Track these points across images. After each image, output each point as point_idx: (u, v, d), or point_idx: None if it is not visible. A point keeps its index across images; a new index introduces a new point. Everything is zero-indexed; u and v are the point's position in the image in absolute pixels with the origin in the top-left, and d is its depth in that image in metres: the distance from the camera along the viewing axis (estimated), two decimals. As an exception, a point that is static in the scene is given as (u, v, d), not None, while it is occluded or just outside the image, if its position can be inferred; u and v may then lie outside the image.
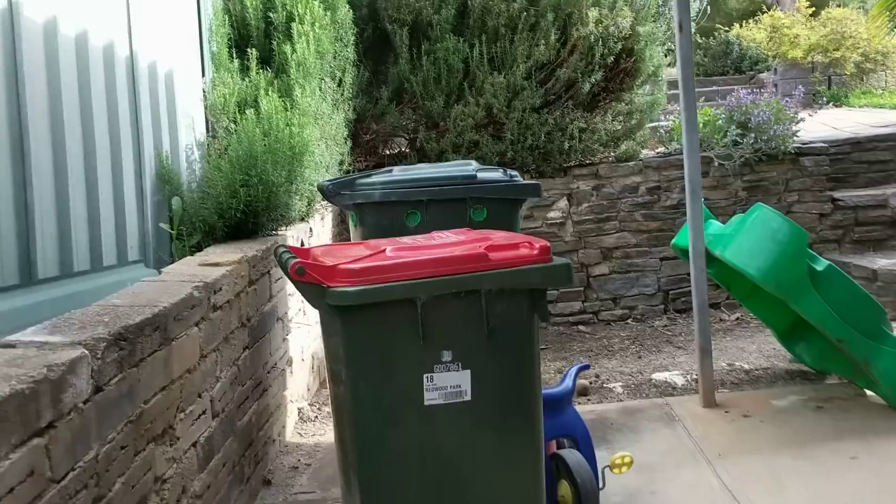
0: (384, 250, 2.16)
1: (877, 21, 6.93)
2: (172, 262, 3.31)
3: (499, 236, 2.33)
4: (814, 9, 10.65)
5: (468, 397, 2.10)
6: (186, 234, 3.54)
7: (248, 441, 3.18)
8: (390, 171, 3.51)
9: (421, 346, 2.07)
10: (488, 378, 2.12)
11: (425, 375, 2.07)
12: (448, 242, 2.28)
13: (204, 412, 2.66)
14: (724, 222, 5.68)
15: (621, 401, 4.22)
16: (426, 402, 2.07)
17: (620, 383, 4.50)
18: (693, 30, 9.22)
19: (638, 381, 4.51)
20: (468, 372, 2.10)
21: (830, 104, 8.65)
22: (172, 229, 3.55)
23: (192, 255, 3.32)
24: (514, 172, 3.45)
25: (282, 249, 2.42)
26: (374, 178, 3.37)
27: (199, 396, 2.63)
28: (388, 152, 5.91)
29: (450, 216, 3.26)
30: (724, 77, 10.66)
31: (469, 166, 3.50)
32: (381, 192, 3.29)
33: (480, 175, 3.38)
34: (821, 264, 3.57)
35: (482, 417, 2.13)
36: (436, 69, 5.39)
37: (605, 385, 4.49)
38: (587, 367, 3.21)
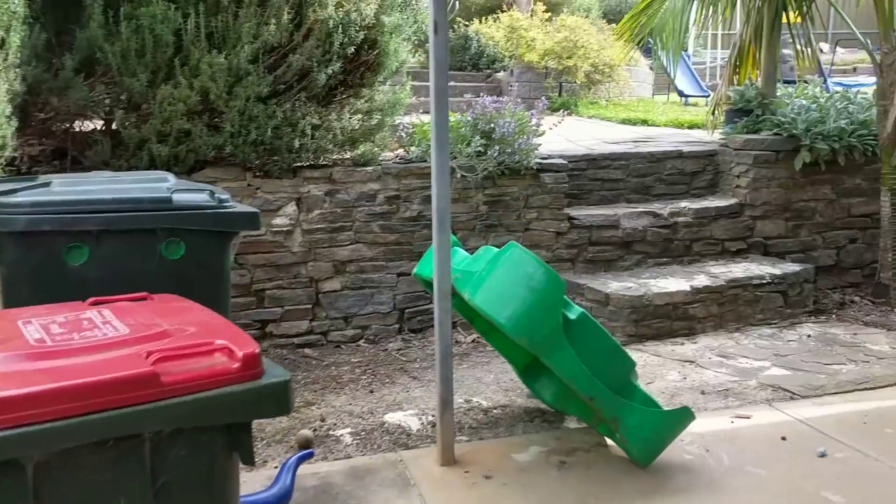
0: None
1: (622, 34, 6.99)
2: None
3: (185, 328, 1.56)
4: (550, 14, 10.85)
5: None
6: None
7: None
8: (47, 184, 2.55)
9: (34, 529, 1.26)
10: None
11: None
12: (99, 342, 1.47)
13: None
14: (463, 238, 5.35)
15: (350, 456, 3.62)
16: None
17: (349, 429, 3.91)
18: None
19: (369, 426, 3.94)
20: (117, 560, 1.33)
21: (562, 111, 8.76)
22: None
23: None
24: (225, 196, 2.66)
25: None
26: (20, 197, 2.40)
27: None
28: (72, 129, 4.74)
29: (131, 253, 2.42)
30: (462, 73, 10.52)
31: (163, 183, 2.65)
32: (29, 217, 2.34)
33: (178, 197, 2.55)
34: (574, 312, 3.22)
35: None
36: (139, 39, 4.36)
37: (331, 432, 3.87)
38: (311, 454, 2.55)
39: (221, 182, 4.76)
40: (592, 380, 3.11)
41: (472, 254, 3.63)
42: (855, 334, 5.29)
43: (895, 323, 5.48)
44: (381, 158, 5.25)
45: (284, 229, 4.95)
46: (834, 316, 5.70)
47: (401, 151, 5.55)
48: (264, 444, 3.74)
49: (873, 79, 13.65)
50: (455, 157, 5.27)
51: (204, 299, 2.37)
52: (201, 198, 2.59)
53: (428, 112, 6.40)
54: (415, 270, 3.82)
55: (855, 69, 16.99)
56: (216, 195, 2.62)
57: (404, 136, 5.46)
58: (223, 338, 1.48)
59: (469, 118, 5.42)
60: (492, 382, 4.55)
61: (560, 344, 3.06)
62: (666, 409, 3.54)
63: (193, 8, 4.44)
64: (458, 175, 5.22)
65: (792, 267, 5.71)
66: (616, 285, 5.31)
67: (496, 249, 3.41)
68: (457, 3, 9.57)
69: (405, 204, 5.19)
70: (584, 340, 3.17)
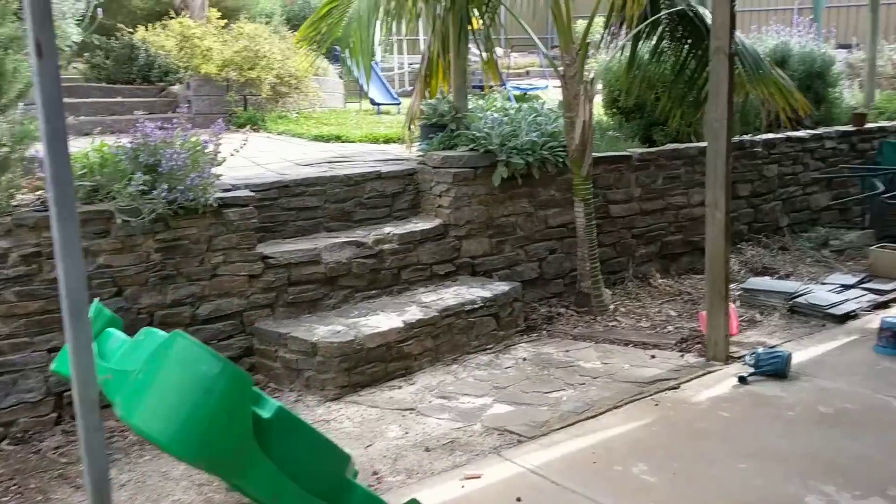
0: None
1: (303, 41, 6.37)
2: None
3: None
4: (226, 21, 9.93)
5: None
6: None
7: None
8: None
9: None
10: None
11: None
12: None
13: None
14: (134, 295, 4.39)
15: None
16: None
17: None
18: (81, 36, 7.62)
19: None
20: None
21: (248, 128, 7.97)
22: None
23: None
24: None
25: None
26: None
27: None
28: None
29: None
30: (131, 87, 9.27)
31: None
32: None
33: None
34: (268, 409, 2.52)
35: None
36: None
37: None
38: None
39: None
40: (301, 494, 2.45)
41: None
42: (567, 351, 5.21)
43: (600, 334, 5.51)
44: (12, 206, 4.12)
45: None
46: (545, 332, 5.61)
47: (42, 193, 4.43)
48: None
49: (545, 82, 14.56)
50: (113, 198, 4.30)
51: None
52: None
53: (87, 134, 5.31)
54: (52, 367, 2.87)
55: (528, 72, 18.15)
56: None
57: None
58: None
59: (128, 148, 4.46)
60: (182, 477, 3.71)
61: (253, 459, 2.36)
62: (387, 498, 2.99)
63: None
64: (119, 221, 4.26)
65: (501, 287, 5.52)
66: (323, 330, 4.70)
67: (160, 335, 2.60)
68: (99, 11, 8.23)
69: (50, 261, 4.11)
70: (284, 444, 2.50)
